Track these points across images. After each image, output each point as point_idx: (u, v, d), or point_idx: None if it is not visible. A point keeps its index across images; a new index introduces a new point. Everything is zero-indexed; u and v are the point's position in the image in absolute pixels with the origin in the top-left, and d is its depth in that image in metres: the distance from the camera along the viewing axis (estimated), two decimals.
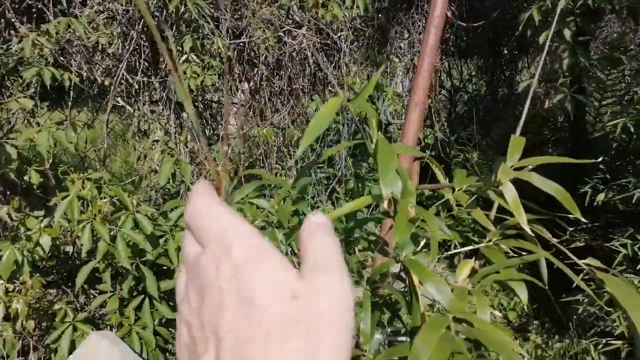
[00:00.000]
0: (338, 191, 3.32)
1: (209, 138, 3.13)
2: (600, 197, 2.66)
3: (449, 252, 1.16)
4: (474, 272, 1.07)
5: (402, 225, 0.83)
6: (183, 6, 2.43)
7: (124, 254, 2.21)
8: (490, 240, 1.06)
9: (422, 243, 1.07)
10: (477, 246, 1.04)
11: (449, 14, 3.44)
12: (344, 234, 1.16)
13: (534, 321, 3.23)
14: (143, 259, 2.62)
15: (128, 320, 2.68)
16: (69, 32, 2.18)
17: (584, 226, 3.04)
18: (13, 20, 2.37)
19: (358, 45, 3.33)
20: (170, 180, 3.37)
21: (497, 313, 1.35)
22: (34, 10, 2.29)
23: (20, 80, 2.39)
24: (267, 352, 0.26)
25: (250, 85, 3.01)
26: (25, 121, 2.38)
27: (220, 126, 2.89)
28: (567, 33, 2.64)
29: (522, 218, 0.98)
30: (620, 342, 2.52)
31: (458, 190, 1.12)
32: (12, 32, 2.45)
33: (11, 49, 2.31)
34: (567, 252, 0.87)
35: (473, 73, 5.60)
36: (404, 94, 3.74)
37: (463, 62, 4.99)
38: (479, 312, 0.90)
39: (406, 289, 1.11)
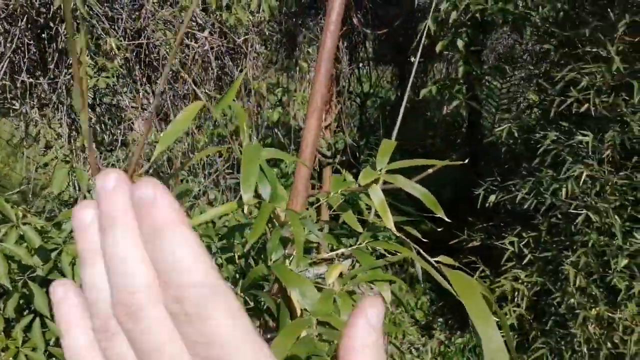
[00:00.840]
0: None
1: (109, 144, 2.98)
2: (492, 198, 2.84)
3: (327, 255, 1.17)
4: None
5: (259, 229, 0.83)
6: (72, 3, 2.29)
7: (3, 270, 2.03)
8: (362, 242, 1.08)
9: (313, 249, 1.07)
10: (348, 249, 1.06)
11: (355, 20, 3.53)
12: (220, 239, 1.14)
13: (439, 319, 3.38)
14: (32, 275, 2.43)
15: (15, 342, 2.47)
16: None
17: (481, 226, 3.23)
18: None
19: (266, 49, 3.32)
20: (73, 188, 3.16)
21: None
22: None
23: None
24: None
25: (153, 88, 2.90)
26: None
27: (119, 131, 2.76)
28: (460, 43, 2.81)
29: (388, 220, 1.02)
30: (511, 333, 2.70)
31: (333, 194, 1.14)
32: None
33: None
34: (422, 252, 0.91)
35: (389, 80, 5.79)
36: None
37: (376, 69, 5.14)
38: (343, 314, 0.91)
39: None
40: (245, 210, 1.13)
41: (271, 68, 3.50)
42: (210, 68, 2.71)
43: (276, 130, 3.67)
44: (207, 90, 2.99)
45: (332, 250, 1.52)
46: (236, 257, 1.20)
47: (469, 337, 3.10)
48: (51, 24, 2.35)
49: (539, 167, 2.62)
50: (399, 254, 1.04)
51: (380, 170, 1.07)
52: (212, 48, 2.70)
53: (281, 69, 3.58)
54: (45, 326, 2.58)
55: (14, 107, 2.76)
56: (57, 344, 2.67)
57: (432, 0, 2.66)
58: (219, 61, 2.83)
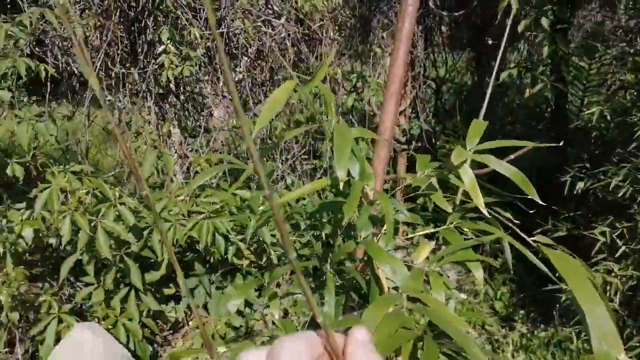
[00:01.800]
0: None
1: (193, 130, 3.12)
2: (580, 185, 2.68)
3: (413, 235, 1.17)
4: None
5: (353, 206, 0.84)
6: None
7: (105, 245, 2.21)
8: (450, 223, 1.07)
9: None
10: (436, 229, 1.04)
11: (430, 3, 3.44)
12: (308, 218, 1.17)
13: (520, 311, 3.25)
14: (127, 251, 2.63)
15: (114, 311, 2.69)
16: (42, 23, 2.16)
17: (567, 215, 3.05)
18: None
19: (341, 35, 3.32)
20: (162, 173, 3.36)
21: (462, 295, 1.37)
22: (7, 0, 2.27)
23: None
24: None
25: (233, 76, 3.00)
26: (3, 113, 2.36)
27: (202, 118, 2.89)
28: (545, 22, 2.65)
29: (479, 200, 0.99)
30: None
31: (419, 175, 1.13)
32: None
33: None
34: (518, 231, 0.88)
35: (464, 64, 5.60)
36: None
37: (451, 53, 4.99)
38: (434, 292, 0.91)
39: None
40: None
41: (345, 54, 3.50)
42: (287, 55, 2.76)
43: (350, 116, 3.67)
44: (282, 76, 3.05)
45: (413, 233, 1.50)
46: (324, 235, 1.22)
47: (554, 332, 2.95)
48: (140, 17, 2.50)
49: (635, 153, 2.42)
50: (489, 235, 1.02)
51: (470, 151, 1.04)
52: (288, 35, 2.74)
53: (355, 55, 3.57)
54: (139, 299, 2.79)
55: (107, 98, 2.96)
56: (149, 315, 2.87)
57: None
58: (295, 48, 2.87)
